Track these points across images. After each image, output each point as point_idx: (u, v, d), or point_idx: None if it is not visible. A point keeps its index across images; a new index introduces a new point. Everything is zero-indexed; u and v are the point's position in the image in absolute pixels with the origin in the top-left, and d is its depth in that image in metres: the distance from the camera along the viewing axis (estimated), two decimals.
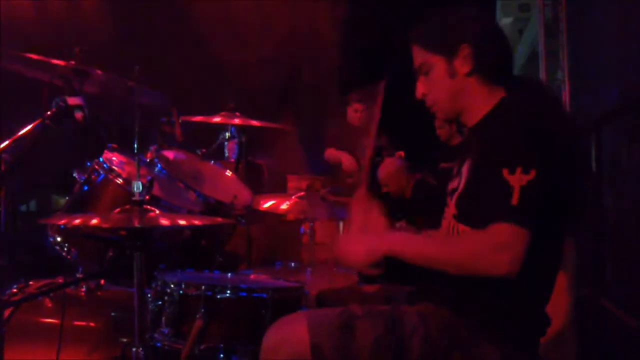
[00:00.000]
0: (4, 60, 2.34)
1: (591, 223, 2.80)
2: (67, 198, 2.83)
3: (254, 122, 3.14)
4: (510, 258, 1.53)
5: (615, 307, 2.61)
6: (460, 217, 1.75)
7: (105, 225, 2.07)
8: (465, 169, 1.76)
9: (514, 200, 1.55)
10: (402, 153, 2.98)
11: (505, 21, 5.67)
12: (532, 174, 1.56)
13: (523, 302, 1.68)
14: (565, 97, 3.55)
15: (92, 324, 2.60)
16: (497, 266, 1.54)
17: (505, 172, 1.57)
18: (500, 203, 1.57)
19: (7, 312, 2.38)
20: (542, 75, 3.88)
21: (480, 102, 1.78)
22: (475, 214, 1.66)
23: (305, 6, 6.24)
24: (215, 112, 3.19)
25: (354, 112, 4.96)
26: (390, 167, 2.68)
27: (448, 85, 1.79)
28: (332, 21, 6.13)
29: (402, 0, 4.10)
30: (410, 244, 1.69)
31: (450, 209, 1.80)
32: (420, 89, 1.84)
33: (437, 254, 1.65)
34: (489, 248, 1.56)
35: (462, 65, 1.76)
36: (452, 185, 1.82)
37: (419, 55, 1.83)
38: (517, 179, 1.56)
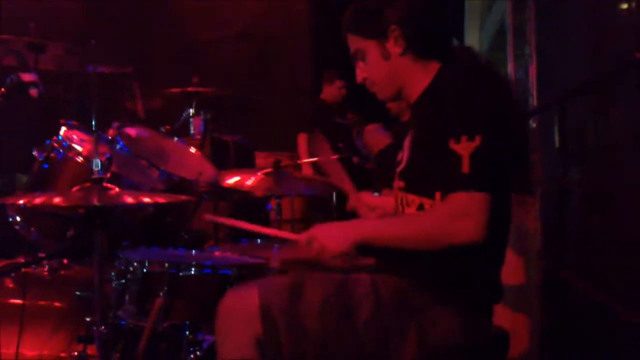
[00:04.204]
0: None
1: (555, 196, 2.84)
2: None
3: (219, 97, 3.10)
4: (474, 224, 1.58)
5: (578, 279, 2.65)
6: (408, 189, 1.78)
7: (63, 204, 2.03)
8: (407, 143, 1.80)
9: (465, 169, 1.59)
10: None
11: None
12: (478, 140, 1.60)
13: (479, 268, 1.70)
14: (532, 71, 3.54)
15: (56, 304, 2.58)
16: (462, 234, 1.58)
17: (451, 142, 1.61)
18: (451, 174, 1.61)
19: None
20: (510, 50, 3.88)
21: (417, 78, 1.82)
22: (423, 184, 1.70)
23: None
24: (180, 87, 3.14)
25: (337, 90, 4.92)
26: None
27: (384, 67, 1.82)
28: None
29: None
30: (379, 230, 1.74)
31: (397, 182, 1.83)
32: (360, 75, 1.89)
33: (405, 234, 1.68)
34: (450, 218, 1.60)
35: (394, 46, 1.79)
36: (398, 158, 1.85)
37: (353, 42, 1.87)
38: (464, 148, 1.60)
